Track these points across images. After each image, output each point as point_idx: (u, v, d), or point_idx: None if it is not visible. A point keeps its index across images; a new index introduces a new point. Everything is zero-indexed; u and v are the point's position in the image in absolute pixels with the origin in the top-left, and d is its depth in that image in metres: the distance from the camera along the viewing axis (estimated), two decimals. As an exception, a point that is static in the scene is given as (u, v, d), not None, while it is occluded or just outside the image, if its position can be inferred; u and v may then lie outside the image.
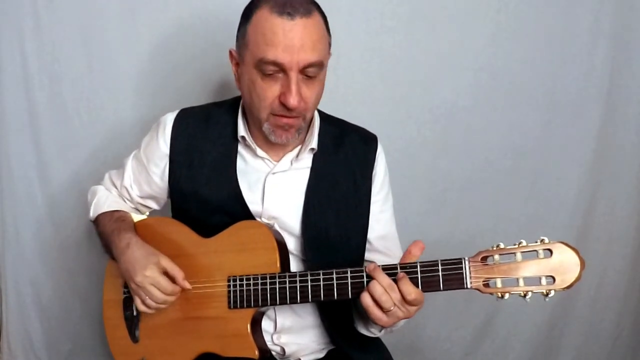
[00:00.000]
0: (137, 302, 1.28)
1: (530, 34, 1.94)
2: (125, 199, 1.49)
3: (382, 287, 1.12)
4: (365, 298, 1.13)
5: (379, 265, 1.15)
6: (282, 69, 1.20)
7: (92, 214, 1.48)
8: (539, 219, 2.06)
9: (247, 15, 1.24)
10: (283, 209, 1.35)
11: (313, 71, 1.22)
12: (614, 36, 1.97)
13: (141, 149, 1.45)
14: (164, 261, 1.26)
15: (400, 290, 1.11)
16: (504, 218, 2.04)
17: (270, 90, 1.22)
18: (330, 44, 1.29)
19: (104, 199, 1.48)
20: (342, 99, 1.86)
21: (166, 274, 1.26)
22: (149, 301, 1.26)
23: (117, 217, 1.41)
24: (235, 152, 1.37)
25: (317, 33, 1.21)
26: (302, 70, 1.20)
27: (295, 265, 1.34)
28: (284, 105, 1.22)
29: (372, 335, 1.36)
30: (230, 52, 1.32)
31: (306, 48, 1.19)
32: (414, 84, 1.93)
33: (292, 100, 1.20)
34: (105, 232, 1.39)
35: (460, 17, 1.90)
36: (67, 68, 1.83)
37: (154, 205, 1.50)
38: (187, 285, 1.27)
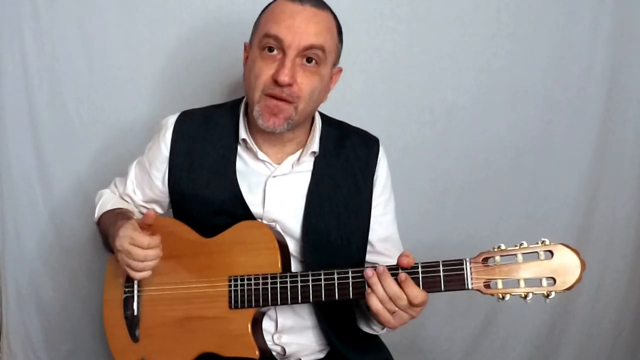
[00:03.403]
0: (129, 272, 1.22)
1: (530, 34, 1.94)
2: (129, 203, 1.49)
3: (387, 295, 1.12)
4: (375, 303, 1.13)
5: (388, 270, 1.14)
6: (282, 47, 1.22)
7: (96, 215, 1.48)
8: (539, 219, 2.05)
9: (266, 7, 1.30)
10: (284, 212, 1.35)
11: (314, 55, 1.23)
12: (614, 36, 1.97)
13: (144, 154, 1.46)
14: (133, 221, 1.22)
15: (406, 295, 1.11)
16: (504, 218, 2.04)
17: (266, 68, 1.24)
18: (339, 50, 1.32)
19: (108, 201, 1.48)
20: (342, 99, 1.85)
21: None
22: (134, 263, 1.20)
23: (117, 212, 1.40)
24: (235, 153, 1.37)
25: (324, 25, 1.25)
26: (302, 54, 1.23)
27: (295, 268, 1.34)
28: (275, 82, 1.22)
29: (375, 333, 1.36)
30: (245, 45, 1.35)
31: (309, 31, 1.22)
32: (414, 84, 1.93)
33: (283, 76, 1.21)
34: (105, 224, 1.39)
35: (460, 17, 1.90)
36: (67, 68, 1.83)
37: (157, 209, 1.49)
38: (150, 220, 1.21)
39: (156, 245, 1.21)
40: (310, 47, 1.22)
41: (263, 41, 1.24)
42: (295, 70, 1.23)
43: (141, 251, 1.19)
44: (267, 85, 1.24)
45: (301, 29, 1.21)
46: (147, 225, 1.23)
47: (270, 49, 1.23)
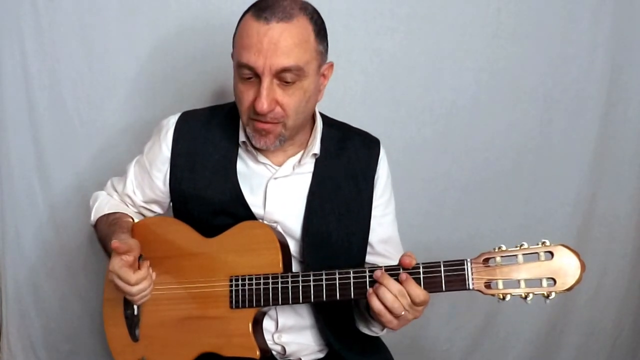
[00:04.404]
0: (129, 299, 1.25)
1: (530, 34, 1.94)
2: (128, 205, 1.49)
3: (392, 295, 1.12)
4: (376, 304, 1.13)
5: (385, 271, 1.14)
6: (255, 73, 1.19)
7: (93, 218, 1.47)
8: (539, 219, 2.06)
9: (240, 20, 1.25)
10: (285, 213, 1.34)
11: (290, 76, 1.20)
12: (614, 36, 1.97)
13: (144, 154, 1.45)
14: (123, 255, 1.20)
15: (409, 294, 1.12)
16: (504, 218, 2.05)
17: (247, 94, 1.23)
18: (322, 52, 1.26)
19: (104, 204, 1.47)
20: (342, 99, 1.86)
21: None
22: (129, 297, 1.23)
23: (110, 221, 1.39)
24: (236, 155, 1.37)
25: (296, 38, 1.19)
26: (278, 76, 1.19)
27: (295, 269, 1.33)
28: (255, 110, 1.21)
29: (374, 335, 1.36)
30: (232, 55, 1.32)
31: (279, 52, 1.17)
32: (414, 84, 1.93)
33: (260, 105, 1.19)
34: (101, 237, 1.39)
35: (460, 17, 1.90)
36: (67, 68, 1.82)
37: (157, 210, 1.49)
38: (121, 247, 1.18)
39: (143, 277, 1.21)
40: (283, 70, 1.19)
41: (239, 70, 1.21)
42: (274, 92, 1.20)
43: (130, 287, 1.20)
44: (251, 111, 1.23)
45: (270, 52, 1.16)
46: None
47: (247, 76, 1.21)
